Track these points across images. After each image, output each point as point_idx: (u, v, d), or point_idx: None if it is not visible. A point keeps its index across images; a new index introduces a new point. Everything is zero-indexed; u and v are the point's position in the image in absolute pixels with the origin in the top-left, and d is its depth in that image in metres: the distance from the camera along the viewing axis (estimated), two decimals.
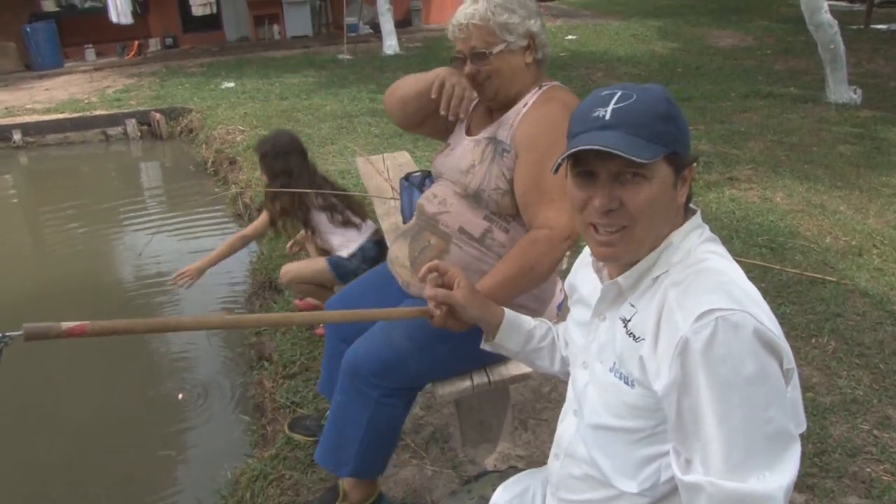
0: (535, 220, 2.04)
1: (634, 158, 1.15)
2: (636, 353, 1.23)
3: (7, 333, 1.41)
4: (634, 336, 1.24)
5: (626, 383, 1.25)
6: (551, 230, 1.99)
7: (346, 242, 3.81)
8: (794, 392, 1.17)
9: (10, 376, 4.26)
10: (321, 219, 3.80)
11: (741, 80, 10.19)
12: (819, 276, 4.04)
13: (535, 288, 2.16)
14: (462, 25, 2.12)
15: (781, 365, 1.13)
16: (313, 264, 3.86)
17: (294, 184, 3.72)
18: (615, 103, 1.21)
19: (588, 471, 1.37)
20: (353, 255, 3.79)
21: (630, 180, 1.20)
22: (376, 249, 3.83)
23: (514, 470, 1.79)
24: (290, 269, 3.85)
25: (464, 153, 2.21)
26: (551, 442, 2.81)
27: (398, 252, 2.32)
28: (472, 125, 2.31)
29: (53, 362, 4.45)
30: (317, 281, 3.84)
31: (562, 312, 2.40)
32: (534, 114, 2.12)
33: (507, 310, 1.74)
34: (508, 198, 2.11)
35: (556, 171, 1.28)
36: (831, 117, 7.93)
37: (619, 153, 1.15)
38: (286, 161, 3.74)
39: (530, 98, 2.16)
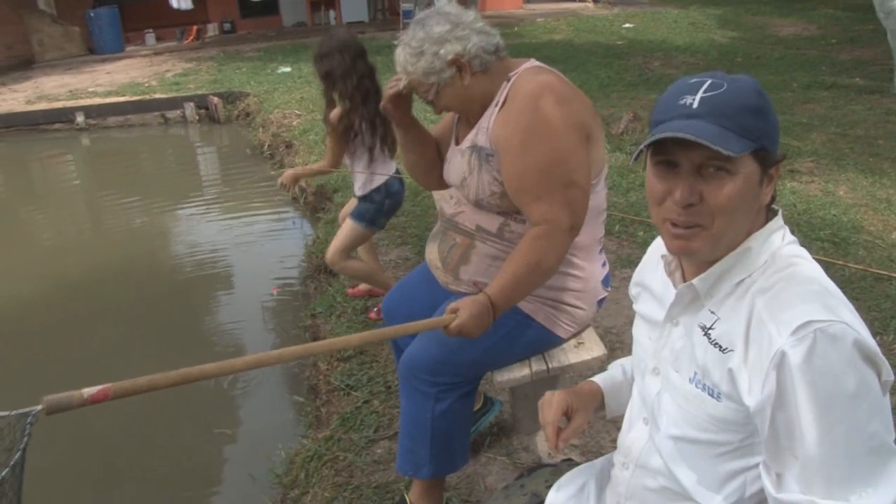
0: (532, 217, 2.00)
1: (722, 150, 1.08)
2: (724, 365, 1.17)
3: (28, 410, 1.34)
4: (721, 347, 1.18)
5: (712, 395, 1.20)
6: (549, 224, 1.96)
7: (366, 181, 3.67)
8: (886, 400, 1.11)
9: (77, 358, 4.39)
10: (361, 139, 3.60)
11: (803, 70, 9.92)
12: (885, 272, 3.92)
13: (547, 281, 2.09)
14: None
15: (880, 377, 1.08)
16: (344, 231, 3.74)
17: (338, 88, 3.44)
18: (704, 91, 1.15)
19: (665, 483, 1.32)
20: (375, 190, 3.65)
21: (713, 174, 1.13)
22: (398, 184, 3.73)
23: (567, 464, 1.75)
24: (332, 250, 3.74)
25: (457, 165, 2.19)
26: (605, 433, 2.81)
27: (430, 255, 2.34)
28: (459, 134, 2.27)
29: (111, 343, 4.57)
30: (358, 242, 3.78)
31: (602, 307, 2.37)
32: (504, 112, 2.05)
33: (599, 382, 1.64)
34: (508, 199, 2.07)
35: (636, 159, 1.22)
36: None
37: (707, 143, 1.09)
38: (329, 62, 3.41)
39: (500, 96, 2.08)
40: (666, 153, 1.17)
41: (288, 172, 3.77)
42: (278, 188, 3.79)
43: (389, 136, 3.59)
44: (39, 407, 1.35)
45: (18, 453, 1.33)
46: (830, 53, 11.11)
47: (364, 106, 3.47)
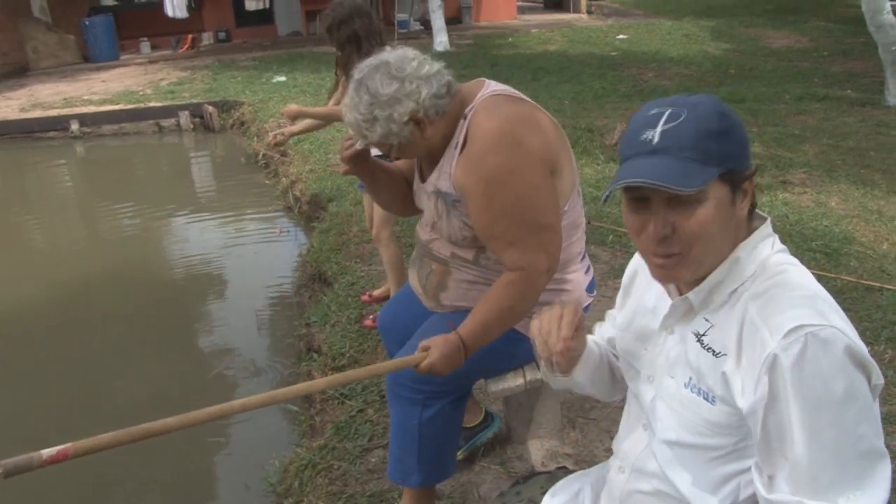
0: (505, 262, 1.98)
1: (680, 191, 1.11)
2: (718, 369, 1.19)
3: None
4: (714, 351, 1.21)
5: (707, 399, 1.22)
6: (523, 271, 1.94)
7: None
8: (875, 404, 1.14)
9: (77, 358, 4.38)
10: None
11: (796, 82, 10.00)
12: (876, 283, 3.95)
13: (519, 322, 2.07)
14: None
15: (870, 381, 1.10)
16: (373, 205, 3.76)
17: (365, 47, 3.47)
18: (664, 124, 1.17)
19: (660, 486, 1.34)
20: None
21: (683, 204, 1.15)
22: None
23: (562, 471, 1.76)
24: (375, 225, 3.76)
25: (427, 207, 2.16)
26: (599, 441, 2.82)
27: (412, 282, 2.34)
28: (423, 169, 2.20)
29: (109, 346, 4.56)
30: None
31: (595, 293, 2.36)
32: (464, 157, 1.97)
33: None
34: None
35: (606, 201, 1.26)
36: (890, 121, 7.74)
37: (665, 187, 1.12)
38: (351, 26, 3.51)
39: (459, 136, 2.00)
40: (636, 190, 1.19)
41: (289, 129, 3.97)
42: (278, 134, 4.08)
43: None
44: None
45: None
46: (822, 65, 11.20)
47: None
